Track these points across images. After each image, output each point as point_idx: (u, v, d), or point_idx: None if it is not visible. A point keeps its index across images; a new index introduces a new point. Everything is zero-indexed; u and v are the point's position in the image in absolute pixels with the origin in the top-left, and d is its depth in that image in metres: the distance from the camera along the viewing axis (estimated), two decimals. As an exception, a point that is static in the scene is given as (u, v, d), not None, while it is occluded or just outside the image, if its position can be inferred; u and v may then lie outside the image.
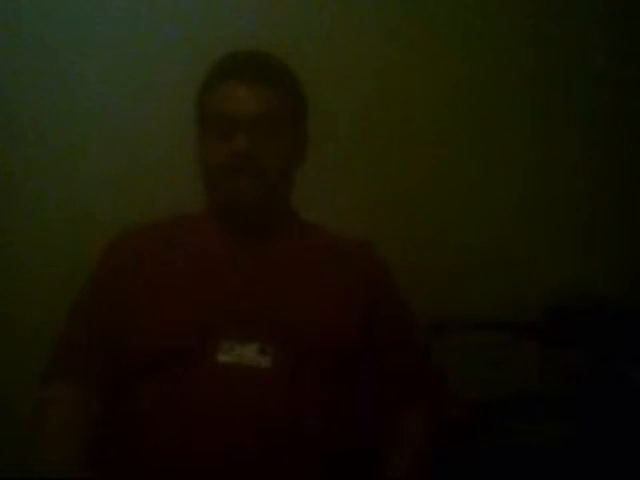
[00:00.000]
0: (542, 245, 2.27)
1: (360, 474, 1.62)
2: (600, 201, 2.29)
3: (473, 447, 1.89)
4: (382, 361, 1.68)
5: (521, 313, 2.16)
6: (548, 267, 2.25)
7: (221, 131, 1.63)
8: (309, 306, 1.64)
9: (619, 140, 2.29)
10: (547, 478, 1.85)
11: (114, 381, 1.61)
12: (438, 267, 2.19)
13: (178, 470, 1.51)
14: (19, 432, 1.63)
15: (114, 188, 2.11)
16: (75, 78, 2.12)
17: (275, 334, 1.58)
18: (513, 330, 2.13)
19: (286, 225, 1.73)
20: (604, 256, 2.26)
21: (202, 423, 1.52)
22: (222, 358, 1.56)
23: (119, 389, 1.60)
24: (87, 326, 1.66)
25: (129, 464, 1.55)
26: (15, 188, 2.10)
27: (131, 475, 1.54)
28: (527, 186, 2.28)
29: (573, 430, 1.90)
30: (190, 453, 1.51)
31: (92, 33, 2.13)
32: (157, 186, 2.11)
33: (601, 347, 2.06)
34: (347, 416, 1.62)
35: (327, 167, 2.09)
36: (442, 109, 2.25)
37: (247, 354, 1.57)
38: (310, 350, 1.59)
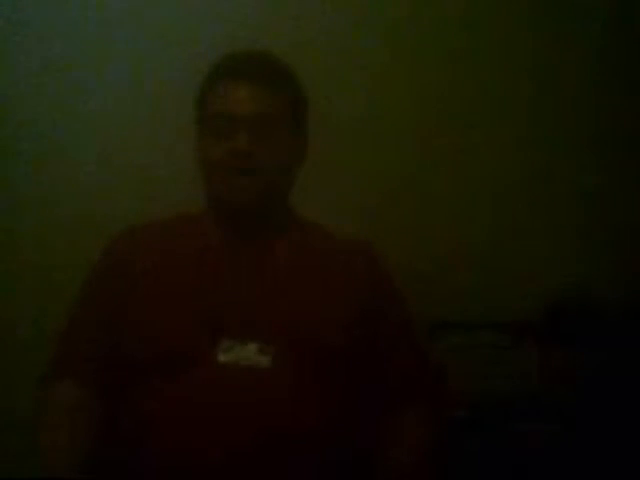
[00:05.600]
0: (542, 245, 2.27)
1: (360, 474, 1.62)
2: (600, 201, 2.29)
3: (473, 447, 1.90)
4: (382, 361, 1.68)
5: (521, 313, 2.16)
6: (548, 267, 2.25)
7: (221, 130, 1.63)
8: (309, 305, 1.63)
9: (619, 140, 2.29)
10: (546, 477, 1.85)
11: (115, 380, 1.61)
12: (438, 267, 2.19)
13: (179, 469, 1.51)
14: (19, 432, 1.63)
15: (114, 188, 2.12)
16: (75, 78, 2.13)
17: (275, 334, 1.58)
18: (513, 330, 2.13)
19: (286, 224, 1.72)
20: (604, 256, 2.26)
21: (202, 423, 1.52)
22: (222, 358, 1.56)
23: (120, 388, 1.60)
24: (87, 325, 1.66)
25: (130, 463, 1.55)
26: (15, 188, 2.11)
27: (132, 474, 1.54)
28: (527, 186, 2.28)
29: (572, 430, 1.90)
30: (190, 452, 1.51)
31: (92, 34, 2.13)
32: (157, 186, 2.11)
33: (601, 347, 2.06)
34: (347, 416, 1.62)
35: (327, 167, 2.09)
36: (443, 109, 2.26)
37: (247, 354, 1.57)
38: (310, 349, 1.59)
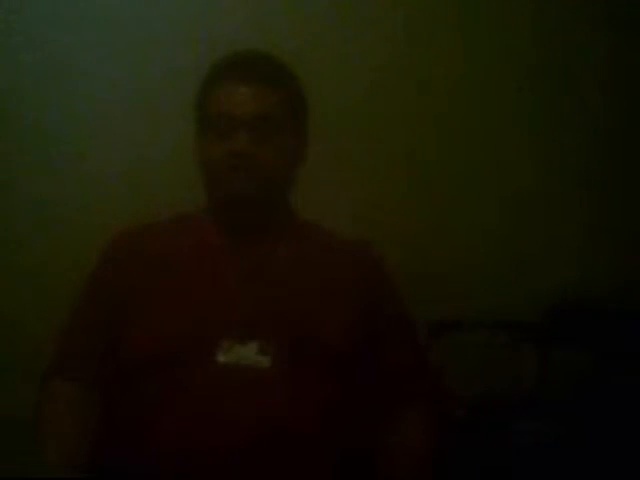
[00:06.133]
0: (542, 245, 2.27)
1: (360, 474, 1.62)
2: (600, 201, 2.29)
3: (473, 447, 1.89)
4: (381, 361, 1.68)
5: (521, 313, 2.16)
6: (548, 267, 2.25)
7: (221, 131, 1.64)
8: (309, 305, 1.64)
9: (618, 141, 2.29)
10: (546, 478, 1.85)
11: (115, 380, 1.61)
12: (438, 267, 2.19)
13: (178, 469, 1.51)
14: (19, 432, 1.63)
15: (114, 188, 2.11)
16: (76, 79, 2.12)
17: (274, 334, 1.59)
18: (513, 330, 2.13)
19: (286, 225, 1.73)
20: (604, 256, 2.26)
21: (202, 422, 1.52)
22: (222, 358, 1.57)
23: (120, 388, 1.61)
24: (87, 325, 1.66)
25: (130, 463, 1.55)
26: (15, 188, 2.11)
27: (132, 473, 1.54)
28: (527, 186, 2.28)
29: (572, 430, 1.90)
30: (190, 452, 1.51)
31: (93, 34, 2.13)
32: (157, 185, 2.11)
33: (601, 347, 2.06)
34: (347, 416, 1.62)
35: (327, 167, 2.09)
36: (442, 109, 2.25)
37: (247, 354, 1.57)
38: (310, 350, 1.59)
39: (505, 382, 2.07)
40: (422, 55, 2.24)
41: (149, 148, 2.12)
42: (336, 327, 1.63)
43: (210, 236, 1.70)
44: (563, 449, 1.88)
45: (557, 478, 1.85)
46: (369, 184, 2.20)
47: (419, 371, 1.73)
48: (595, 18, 2.29)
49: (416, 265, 2.11)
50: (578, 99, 2.29)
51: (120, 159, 2.12)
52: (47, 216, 2.11)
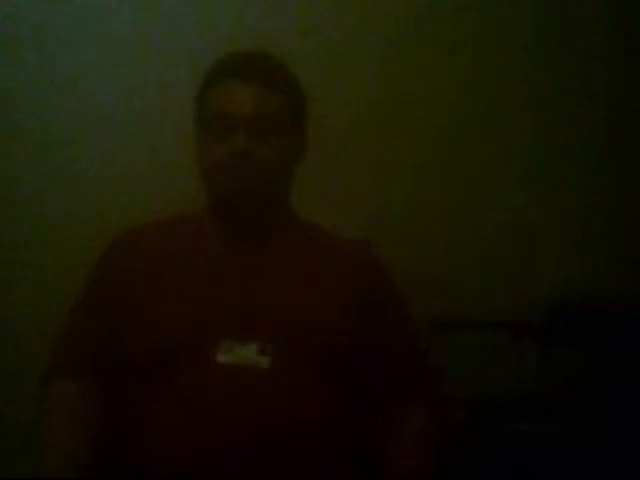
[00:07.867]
0: (542, 245, 2.27)
1: (360, 474, 1.62)
2: (600, 202, 2.29)
3: (472, 447, 1.90)
4: (381, 361, 1.68)
5: (521, 313, 2.16)
6: (548, 267, 2.26)
7: (220, 130, 1.63)
8: (308, 306, 1.63)
9: (619, 142, 2.30)
10: (546, 477, 1.86)
11: (115, 379, 1.61)
12: (438, 267, 2.19)
13: (178, 469, 1.51)
14: (21, 431, 1.63)
15: (114, 188, 2.12)
16: (75, 78, 2.13)
17: (274, 334, 1.58)
18: (513, 330, 2.13)
19: (285, 225, 1.72)
20: (604, 256, 2.26)
21: (201, 423, 1.52)
22: (221, 358, 1.56)
23: (120, 387, 1.61)
24: (87, 324, 1.66)
25: (129, 462, 1.55)
26: (15, 188, 2.11)
27: (131, 473, 1.54)
28: (527, 187, 2.28)
29: (572, 430, 1.90)
30: (189, 452, 1.51)
31: (92, 33, 2.13)
32: (157, 186, 2.11)
33: (601, 347, 2.06)
34: (347, 416, 1.62)
35: (327, 167, 2.09)
36: (443, 109, 2.26)
37: (246, 354, 1.57)
38: (309, 350, 1.59)
39: (505, 382, 2.07)
40: (425, 56, 2.24)
41: (149, 148, 2.13)
42: (336, 327, 1.63)
43: (210, 236, 1.70)
44: (563, 449, 1.88)
45: (557, 477, 1.85)
46: (370, 184, 2.20)
47: (418, 371, 1.73)
48: (596, 16, 2.30)
49: (417, 265, 2.11)
50: (579, 101, 2.30)
51: (120, 159, 2.13)
52: (47, 216, 2.11)
